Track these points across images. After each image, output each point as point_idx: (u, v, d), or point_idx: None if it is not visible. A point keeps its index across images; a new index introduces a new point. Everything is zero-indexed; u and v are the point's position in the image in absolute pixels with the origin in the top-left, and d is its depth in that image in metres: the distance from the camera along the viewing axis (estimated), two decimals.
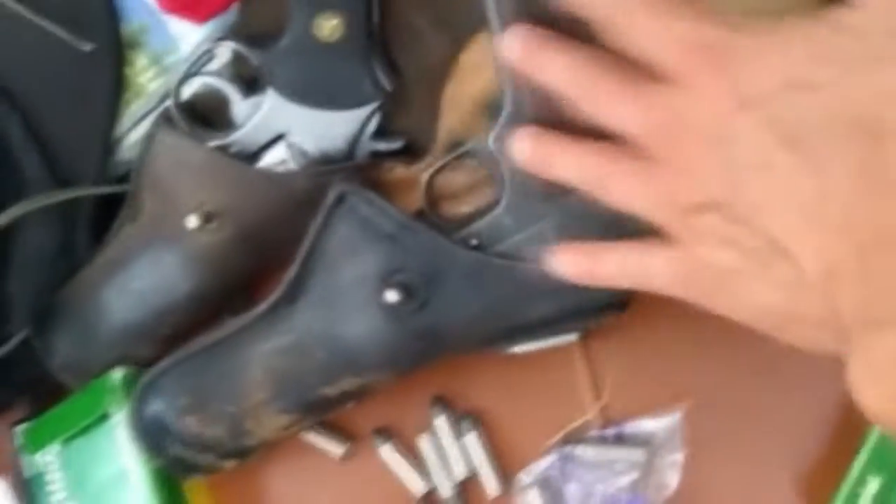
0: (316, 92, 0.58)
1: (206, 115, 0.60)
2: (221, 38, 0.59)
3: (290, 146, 0.59)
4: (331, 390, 0.59)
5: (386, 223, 0.56)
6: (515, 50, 0.47)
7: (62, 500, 0.64)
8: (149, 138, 0.60)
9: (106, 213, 0.62)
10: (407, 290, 0.56)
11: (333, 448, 0.64)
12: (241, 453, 0.61)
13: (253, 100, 0.59)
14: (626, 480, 0.60)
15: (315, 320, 0.58)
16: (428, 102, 0.58)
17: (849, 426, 0.59)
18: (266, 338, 0.58)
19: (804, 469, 0.59)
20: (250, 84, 0.59)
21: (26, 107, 0.60)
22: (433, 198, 0.58)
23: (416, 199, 0.58)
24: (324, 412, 0.60)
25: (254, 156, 0.59)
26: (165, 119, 0.60)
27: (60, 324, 0.63)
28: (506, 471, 0.62)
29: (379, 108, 0.58)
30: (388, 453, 0.63)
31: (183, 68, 0.60)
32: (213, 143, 0.59)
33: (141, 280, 0.62)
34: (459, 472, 0.62)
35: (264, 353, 0.58)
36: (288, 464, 0.65)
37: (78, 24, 0.59)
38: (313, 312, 0.58)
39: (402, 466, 0.63)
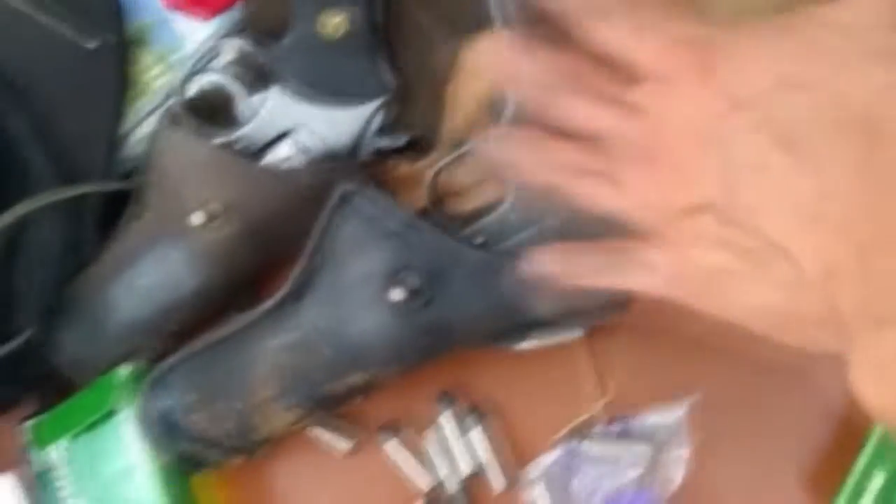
0: (321, 88, 0.58)
1: (211, 112, 0.60)
2: (226, 36, 0.59)
3: (295, 143, 0.59)
4: (337, 386, 0.59)
5: (391, 222, 0.56)
6: (497, 57, 0.47)
7: (70, 495, 0.65)
8: (154, 135, 0.60)
9: (112, 210, 0.62)
10: (412, 287, 0.56)
11: (340, 443, 0.64)
12: (249, 449, 0.62)
13: (258, 97, 0.59)
14: (631, 475, 0.60)
15: (321, 317, 0.58)
16: (432, 99, 0.58)
17: (854, 421, 0.59)
18: (273, 334, 0.59)
19: (809, 463, 0.60)
20: (255, 81, 0.59)
21: (33, 104, 0.60)
22: (438, 195, 0.58)
23: (421, 196, 0.58)
24: (330, 407, 0.61)
25: (259, 152, 0.59)
26: (171, 116, 0.60)
27: (68, 320, 0.64)
28: (512, 466, 0.62)
29: (383, 104, 0.58)
30: (394, 448, 0.63)
31: (188, 65, 0.60)
32: (219, 140, 0.59)
33: (147, 277, 0.62)
34: (465, 467, 0.63)
35: (271, 349, 0.59)
36: (295, 459, 0.65)
37: (84, 22, 0.59)
38: (320, 309, 0.58)
39: (409, 461, 0.63)
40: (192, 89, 0.60)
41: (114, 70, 0.60)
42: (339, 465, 0.64)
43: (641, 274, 0.47)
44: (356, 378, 0.59)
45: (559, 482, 0.62)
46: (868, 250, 0.39)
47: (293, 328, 0.58)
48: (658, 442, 0.60)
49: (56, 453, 0.65)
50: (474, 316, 0.56)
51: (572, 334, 0.60)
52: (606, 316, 0.57)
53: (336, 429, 0.64)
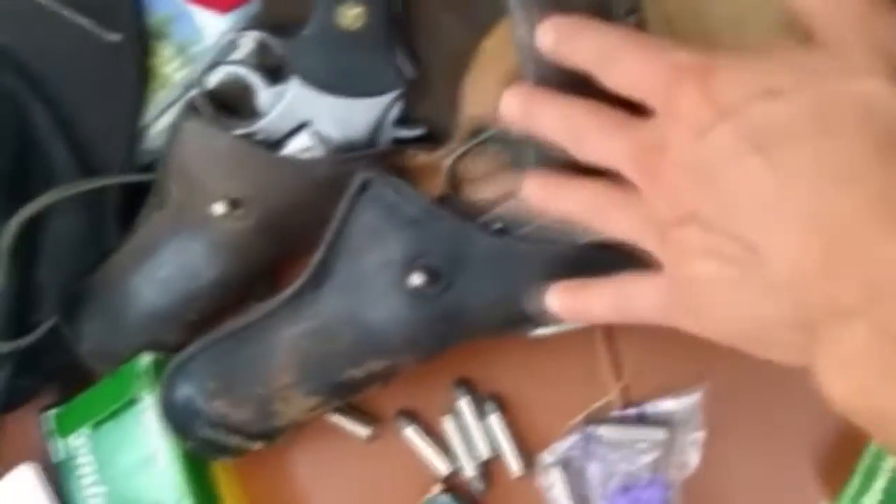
0: (339, 80, 0.59)
1: (231, 104, 0.61)
2: (245, 28, 0.60)
3: (314, 134, 0.59)
4: (357, 372, 0.60)
5: (410, 209, 0.57)
6: (513, 109, 0.49)
7: (91, 484, 0.65)
8: (175, 127, 0.60)
9: (133, 202, 0.63)
10: (431, 273, 0.56)
11: (359, 430, 0.65)
12: (270, 435, 0.62)
13: (277, 88, 0.59)
14: (647, 459, 0.61)
15: (341, 304, 0.58)
16: (450, 89, 0.58)
17: None
18: (292, 322, 0.59)
19: (823, 445, 0.60)
20: (274, 73, 0.60)
21: (54, 97, 0.61)
22: (456, 183, 0.58)
23: (439, 185, 0.59)
24: (351, 393, 0.61)
25: (278, 143, 0.60)
26: (191, 108, 0.60)
27: (89, 310, 0.64)
28: (528, 451, 0.63)
29: (401, 95, 0.59)
30: (412, 435, 0.64)
31: (208, 58, 0.60)
32: (239, 132, 0.59)
33: (168, 267, 0.63)
34: (482, 452, 0.63)
35: (291, 336, 0.59)
36: (314, 446, 0.66)
37: (104, 16, 0.60)
38: (339, 296, 0.58)
39: (427, 447, 0.64)
40: (212, 81, 0.60)
41: (134, 63, 0.61)
42: (358, 452, 0.65)
43: (643, 303, 0.49)
44: (375, 365, 0.59)
45: (575, 467, 0.62)
46: (830, 245, 0.40)
47: (313, 316, 0.59)
48: (673, 426, 0.61)
49: (78, 442, 0.65)
50: (492, 301, 0.57)
51: None
52: None
53: (355, 416, 0.65)
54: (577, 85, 0.47)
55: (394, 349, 0.59)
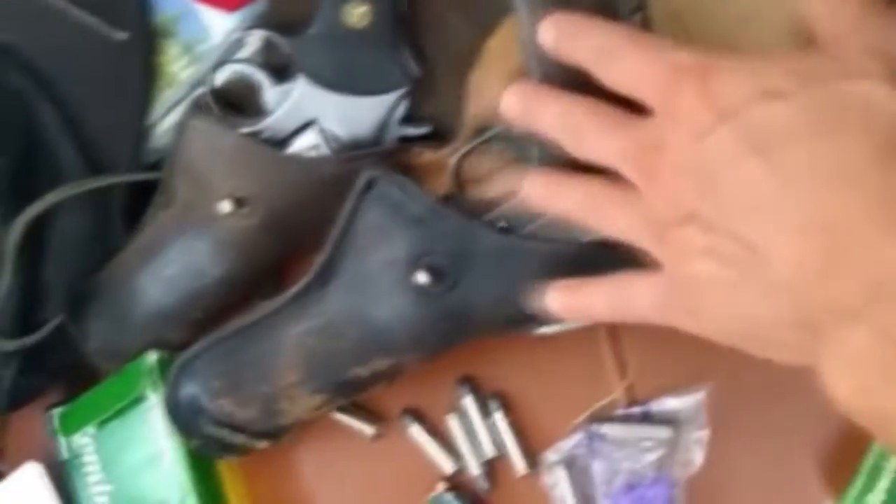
0: (345, 78, 0.59)
1: (237, 103, 0.61)
2: (252, 27, 0.60)
3: (320, 132, 0.60)
4: (362, 371, 0.60)
5: (415, 207, 0.57)
6: (513, 106, 0.50)
7: (96, 482, 0.65)
8: (181, 125, 0.61)
9: (139, 200, 0.63)
10: (436, 272, 0.57)
11: (364, 429, 0.65)
12: (275, 433, 0.63)
13: (283, 86, 0.59)
14: (651, 458, 0.61)
15: (346, 302, 0.59)
16: (455, 87, 0.58)
17: None
18: (298, 320, 0.59)
19: (827, 444, 0.60)
20: (281, 71, 0.60)
21: (61, 96, 0.61)
22: (461, 181, 0.59)
23: (444, 183, 0.59)
24: (356, 392, 0.61)
25: (284, 142, 0.60)
26: (197, 106, 0.61)
27: (95, 309, 0.65)
28: (533, 449, 0.63)
29: (407, 93, 0.59)
30: (416, 433, 0.64)
31: (214, 56, 0.61)
32: (245, 130, 0.60)
33: (174, 265, 0.63)
34: (487, 451, 0.63)
35: (297, 334, 0.60)
36: (319, 444, 0.66)
37: (111, 14, 0.60)
38: (344, 294, 0.59)
39: (431, 446, 0.64)
40: (219, 80, 0.60)
41: (141, 62, 0.61)
42: (363, 450, 0.65)
43: (641, 302, 0.49)
44: (381, 363, 0.60)
45: (579, 465, 0.62)
46: (832, 246, 0.40)
47: (318, 314, 0.59)
48: (678, 425, 0.61)
49: (83, 440, 0.66)
50: (497, 299, 0.57)
51: None
52: None
53: (360, 414, 0.65)
54: (581, 84, 0.48)
55: (399, 347, 0.59)
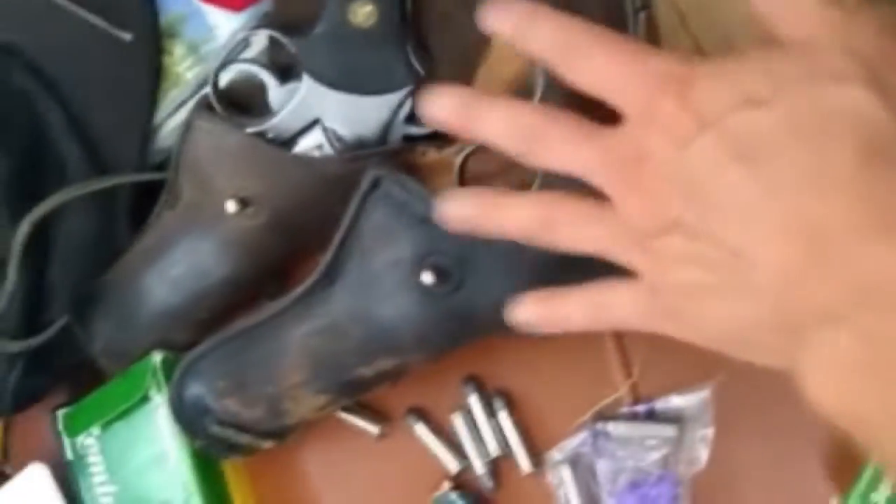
0: (350, 77, 0.59)
1: (242, 102, 0.61)
2: (257, 26, 0.60)
3: (326, 131, 0.60)
4: (367, 370, 0.60)
5: (421, 206, 0.57)
6: (446, 113, 0.47)
7: (102, 482, 0.65)
8: (187, 125, 0.61)
9: (145, 201, 0.63)
10: (442, 272, 0.57)
11: (369, 428, 0.65)
12: (280, 433, 0.63)
13: (289, 86, 0.60)
14: (656, 456, 0.61)
15: (351, 302, 0.59)
16: (461, 85, 0.59)
17: None
18: (303, 320, 0.60)
19: (832, 442, 0.60)
20: (286, 71, 0.60)
21: (66, 96, 0.61)
22: (466, 180, 0.59)
23: (450, 182, 0.59)
24: (360, 392, 0.62)
25: (289, 141, 0.60)
26: (203, 106, 0.61)
27: (101, 309, 0.65)
28: (538, 448, 0.63)
29: (412, 92, 0.59)
30: (421, 432, 0.64)
31: (220, 56, 0.61)
32: (250, 130, 0.60)
33: (179, 265, 0.63)
34: (492, 449, 0.63)
35: (302, 335, 0.60)
36: (324, 444, 0.66)
37: (116, 15, 0.60)
38: (350, 294, 0.59)
39: (436, 445, 0.64)
40: (224, 79, 0.61)
41: (146, 62, 0.61)
42: (368, 450, 0.65)
43: (622, 310, 0.48)
44: (386, 363, 0.60)
45: (584, 464, 0.62)
46: (814, 250, 0.40)
47: (323, 314, 0.59)
48: (683, 423, 0.61)
49: (88, 440, 0.66)
50: (502, 300, 0.57)
51: None
52: None
53: (365, 414, 0.65)
54: None
55: (404, 347, 0.59)
